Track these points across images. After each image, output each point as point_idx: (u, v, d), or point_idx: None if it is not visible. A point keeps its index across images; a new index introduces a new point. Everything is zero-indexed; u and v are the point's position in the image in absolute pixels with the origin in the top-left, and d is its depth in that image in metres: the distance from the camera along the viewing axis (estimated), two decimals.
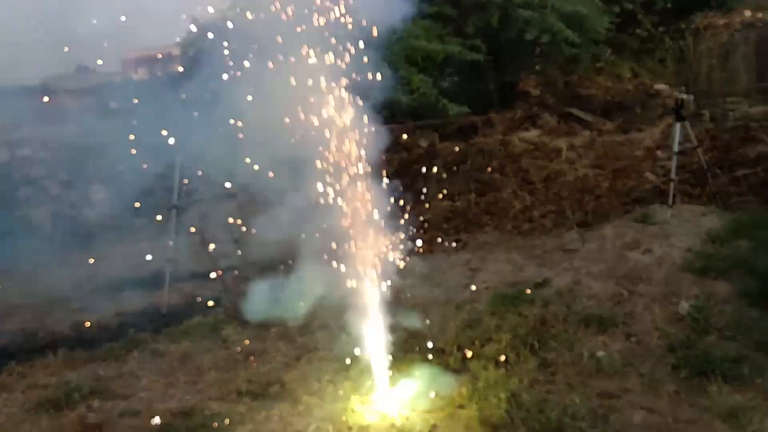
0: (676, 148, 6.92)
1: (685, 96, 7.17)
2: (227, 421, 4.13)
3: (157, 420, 4.16)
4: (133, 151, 9.04)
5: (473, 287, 5.93)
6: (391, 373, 4.45)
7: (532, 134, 10.45)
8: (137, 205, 10.16)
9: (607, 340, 5.00)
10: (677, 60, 14.60)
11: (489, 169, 8.92)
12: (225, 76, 4.70)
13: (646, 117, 11.70)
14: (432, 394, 4.30)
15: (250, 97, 4.53)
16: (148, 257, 7.53)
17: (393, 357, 4.52)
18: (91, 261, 7.66)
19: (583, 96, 13.97)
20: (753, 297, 5.19)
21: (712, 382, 4.32)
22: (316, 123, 4.38)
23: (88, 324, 6.01)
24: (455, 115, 10.14)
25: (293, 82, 4.33)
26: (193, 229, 6.78)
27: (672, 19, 15.28)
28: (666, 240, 6.22)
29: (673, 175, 6.89)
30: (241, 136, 4.74)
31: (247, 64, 4.58)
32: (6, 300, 6.94)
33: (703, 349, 4.67)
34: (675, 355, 4.68)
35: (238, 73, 4.67)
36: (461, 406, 4.18)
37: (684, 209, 7.06)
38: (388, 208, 4.69)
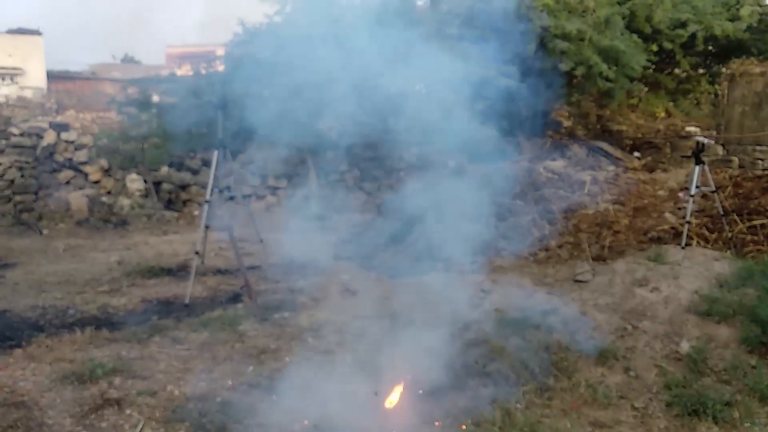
0: (693, 191, 7.03)
1: (705, 140, 7.24)
2: (237, 408, 4.39)
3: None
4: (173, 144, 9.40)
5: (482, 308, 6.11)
6: (395, 385, 4.62)
7: (558, 164, 10.60)
8: (172, 197, 10.55)
9: (606, 371, 5.17)
10: (712, 103, 14.61)
11: (511, 195, 9.10)
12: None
13: (674, 158, 11.80)
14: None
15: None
16: (177, 249, 7.85)
17: (395, 368, 4.71)
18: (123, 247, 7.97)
19: (614, 131, 14.09)
20: (753, 344, 5.31)
21: (703, 422, 4.48)
22: None
23: (114, 307, 6.33)
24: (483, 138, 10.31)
25: None
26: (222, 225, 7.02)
27: (711, 63, 15.29)
28: (675, 280, 6.34)
29: (688, 218, 6.99)
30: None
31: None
32: (39, 277, 7.30)
33: (698, 390, 4.80)
34: (670, 393, 4.83)
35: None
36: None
37: (697, 252, 7.16)
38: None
